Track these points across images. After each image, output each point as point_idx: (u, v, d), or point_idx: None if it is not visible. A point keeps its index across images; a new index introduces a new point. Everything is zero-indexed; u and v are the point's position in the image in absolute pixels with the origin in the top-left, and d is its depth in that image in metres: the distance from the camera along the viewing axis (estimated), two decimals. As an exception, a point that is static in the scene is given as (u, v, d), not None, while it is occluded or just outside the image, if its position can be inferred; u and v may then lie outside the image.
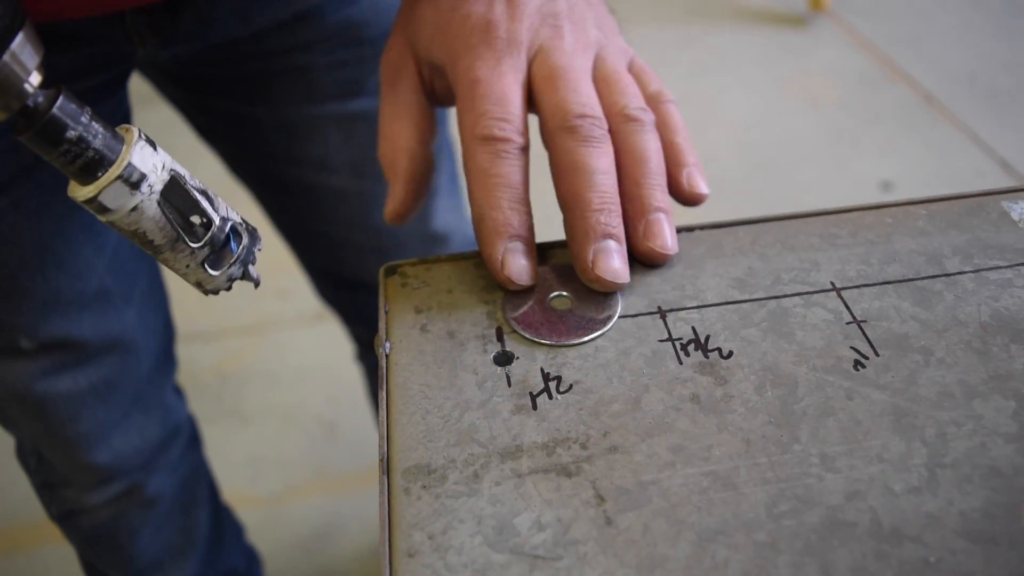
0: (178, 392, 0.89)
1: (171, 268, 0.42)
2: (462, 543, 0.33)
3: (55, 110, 0.36)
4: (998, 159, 1.96)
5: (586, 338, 0.40)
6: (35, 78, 0.36)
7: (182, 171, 0.40)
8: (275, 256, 1.23)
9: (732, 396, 0.38)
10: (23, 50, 0.35)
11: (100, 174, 0.37)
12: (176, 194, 0.39)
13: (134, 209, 0.38)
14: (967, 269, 0.43)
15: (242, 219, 0.44)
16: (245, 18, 0.67)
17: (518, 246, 0.42)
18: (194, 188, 0.40)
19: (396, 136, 0.48)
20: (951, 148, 2.02)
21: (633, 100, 0.44)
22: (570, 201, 0.42)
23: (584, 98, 0.43)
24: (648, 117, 0.44)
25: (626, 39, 0.49)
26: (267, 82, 0.72)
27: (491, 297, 0.43)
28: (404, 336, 0.41)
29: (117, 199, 0.37)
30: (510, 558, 0.32)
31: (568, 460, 0.35)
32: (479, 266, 0.44)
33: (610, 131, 0.44)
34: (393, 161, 0.48)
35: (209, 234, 0.41)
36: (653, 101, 0.47)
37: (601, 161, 0.42)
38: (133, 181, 0.37)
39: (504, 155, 0.42)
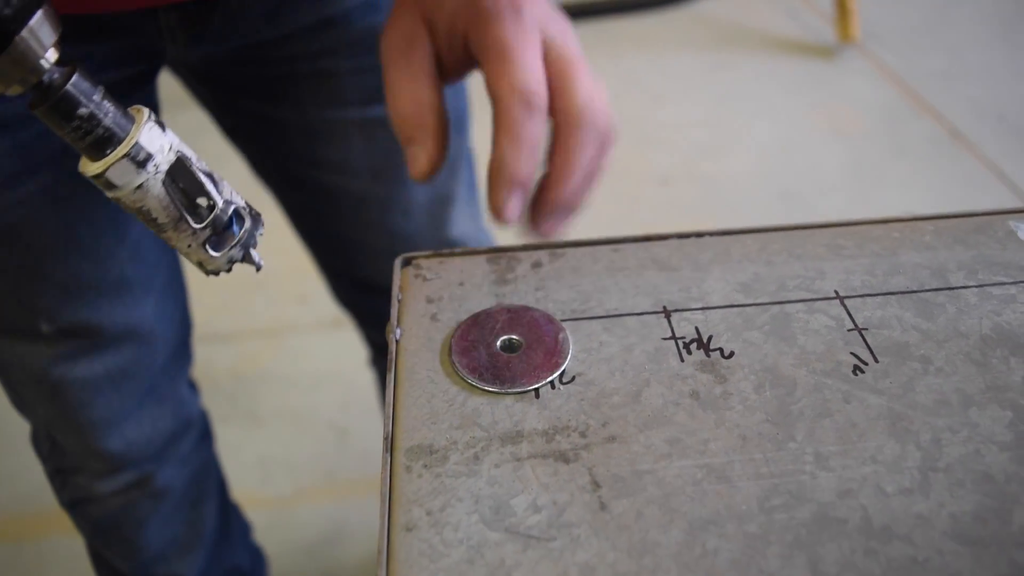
0: (192, 386, 0.90)
1: (174, 247, 0.43)
2: (459, 520, 0.33)
3: (69, 87, 0.37)
4: (1023, 196, 1.96)
5: (531, 387, 0.39)
6: (51, 55, 0.37)
7: (189, 153, 0.41)
8: (296, 262, 1.25)
9: (731, 394, 0.38)
10: (41, 27, 0.36)
11: (109, 151, 0.39)
12: (181, 175, 0.41)
13: (139, 187, 0.39)
14: (971, 284, 0.44)
15: (246, 203, 0.45)
16: (273, 20, 0.68)
17: (520, 193, 0.45)
18: (199, 170, 0.41)
19: (420, 95, 0.49)
20: (976, 184, 2.02)
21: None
22: None
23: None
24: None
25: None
26: (292, 85, 0.73)
27: (501, 290, 0.44)
28: (415, 324, 0.42)
29: (123, 176, 0.39)
30: (505, 536, 0.33)
31: (567, 447, 0.36)
32: (490, 260, 0.45)
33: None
34: (421, 118, 0.49)
35: (212, 216, 0.42)
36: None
37: None
38: (139, 160, 0.39)
39: (537, 116, 0.44)
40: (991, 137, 2.16)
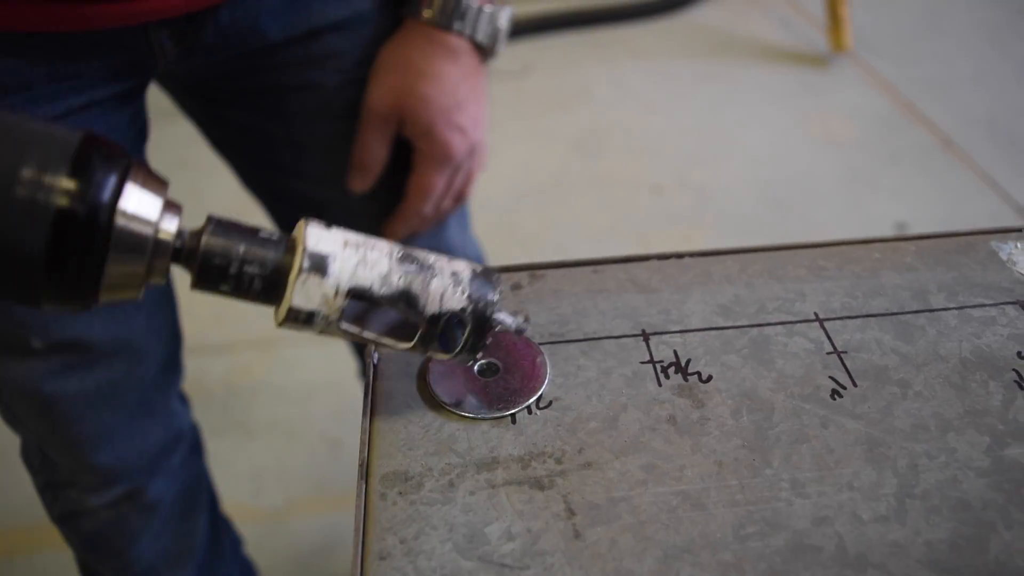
0: (183, 399, 0.90)
1: None
2: (433, 549, 0.33)
3: (203, 252, 0.32)
4: (1014, 204, 1.96)
5: (508, 412, 0.39)
6: (169, 222, 0.31)
7: (372, 279, 0.34)
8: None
9: (708, 419, 0.38)
10: (136, 198, 0.30)
11: (276, 301, 0.34)
12: (365, 309, 0.36)
13: (320, 332, 0.35)
14: (951, 306, 0.44)
15: (475, 289, 0.37)
16: (263, 32, 0.68)
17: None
18: (389, 294, 0.35)
19: (379, 154, 0.72)
20: (967, 192, 2.02)
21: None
22: None
23: None
24: None
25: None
26: (280, 97, 0.73)
27: (480, 313, 0.44)
28: (393, 347, 0.42)
29: (298, 328, 0.35)
30: (478, 565, 0.33)
31: (542, 474, 0.36)
32: (471, 283, 0.45)
33: None
34: (375, 167, 0.73)
35: (418, 336, 0.37)
36: None
37: None
38: (302, 320, 0.34)
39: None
40: (983, 145, 2.17)
